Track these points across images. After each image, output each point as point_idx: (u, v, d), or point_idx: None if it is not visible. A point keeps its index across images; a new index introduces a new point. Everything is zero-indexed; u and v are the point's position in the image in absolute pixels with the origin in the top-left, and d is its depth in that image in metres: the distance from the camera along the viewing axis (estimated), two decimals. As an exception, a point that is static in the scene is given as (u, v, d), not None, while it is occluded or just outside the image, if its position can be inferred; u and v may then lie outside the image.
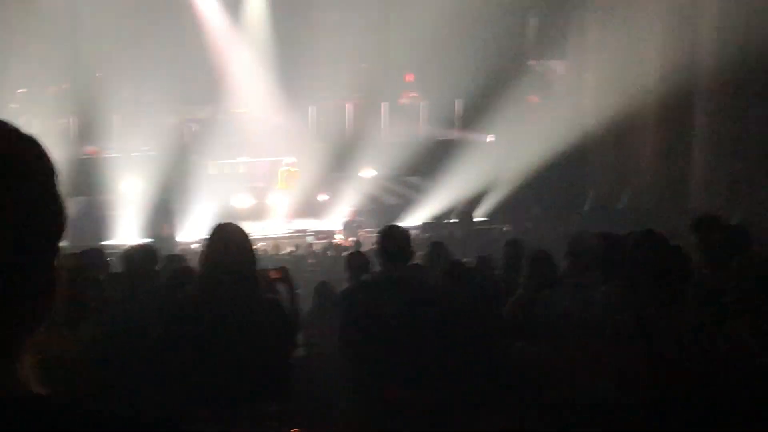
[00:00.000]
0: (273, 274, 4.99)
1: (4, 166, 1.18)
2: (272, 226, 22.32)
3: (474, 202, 23.14)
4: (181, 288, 5.59)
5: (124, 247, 8.04)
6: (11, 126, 1.24)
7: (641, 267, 4.38)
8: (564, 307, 5.48)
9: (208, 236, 4.60)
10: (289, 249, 19.22)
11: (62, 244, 1.27)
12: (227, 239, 4.53)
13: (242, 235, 4.57)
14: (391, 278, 5.46)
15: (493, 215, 23.33)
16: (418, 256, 10.71)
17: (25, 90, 23.06)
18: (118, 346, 5.08)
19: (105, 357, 4.92)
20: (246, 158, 23.91)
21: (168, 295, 5.72)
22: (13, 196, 1.18)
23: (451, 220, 22.23)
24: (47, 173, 1.25)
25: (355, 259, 7.74)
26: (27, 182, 1.21)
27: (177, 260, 7.82)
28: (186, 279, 5.79)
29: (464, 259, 9.26)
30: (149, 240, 16.96)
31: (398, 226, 5.89)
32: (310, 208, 23.31)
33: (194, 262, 5.93)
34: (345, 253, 11.76)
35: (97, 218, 21.35)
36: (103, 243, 18.97)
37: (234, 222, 4.68)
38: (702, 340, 4.13)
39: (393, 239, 5.52)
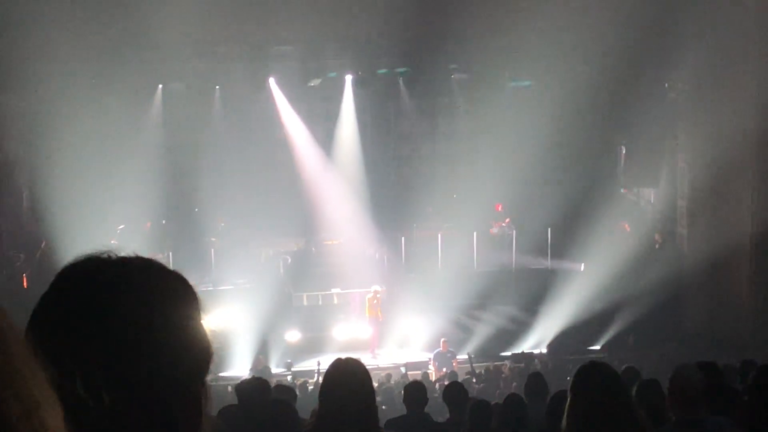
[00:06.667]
0: None
1: (153, 297, 1.27)
2: (365, 358, 22.21)
3: (566, 331, 22.87)
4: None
5: (235, 381, 8.17)
6: (160, 264, 1.35)
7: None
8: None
9: (327, 371, 4.70)
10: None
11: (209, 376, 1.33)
12: (346, 374, 4.61)
13: (361, 370, 4.65)
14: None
15: (586, 344, 23.00)
16: (514, 387, 10.64)
17: (123, 226, 23.69)
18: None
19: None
20: (339, 289, 24.08)
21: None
22: (164, 325, 1.27)
23: (543, 350, 22.00)
24: (193, 307, 1.33)
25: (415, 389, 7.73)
26: (175, 314, 1.29)
27: (285, 392, 7.95)
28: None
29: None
30: (251, 373, 17.08)
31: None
32: (401, 338, 23.23)
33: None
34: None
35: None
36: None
37: (353, 357, 4.77)
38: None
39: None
